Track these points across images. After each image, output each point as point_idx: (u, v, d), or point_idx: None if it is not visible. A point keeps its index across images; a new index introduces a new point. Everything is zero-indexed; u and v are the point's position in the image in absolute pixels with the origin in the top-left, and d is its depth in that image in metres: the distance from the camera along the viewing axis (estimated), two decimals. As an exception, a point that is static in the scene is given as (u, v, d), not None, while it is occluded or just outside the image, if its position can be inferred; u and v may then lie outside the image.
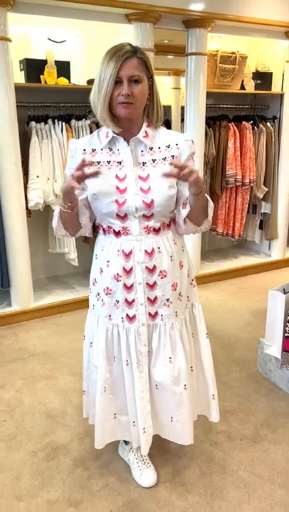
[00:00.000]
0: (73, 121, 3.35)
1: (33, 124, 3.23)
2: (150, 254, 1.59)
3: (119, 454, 2.00)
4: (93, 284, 1.72)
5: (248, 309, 3.50)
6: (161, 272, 1.62)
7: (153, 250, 1.59)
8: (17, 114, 2.99)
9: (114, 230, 1.59)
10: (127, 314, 1.64)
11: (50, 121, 3.28)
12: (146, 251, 1.59)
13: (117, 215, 1.55)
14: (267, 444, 2.06)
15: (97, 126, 3.31)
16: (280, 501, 1.75)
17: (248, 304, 3.60)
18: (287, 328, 2.32)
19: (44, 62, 3.17)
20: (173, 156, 1.55)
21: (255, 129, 4.05)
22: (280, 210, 4.32)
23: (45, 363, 2.75)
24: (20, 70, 3.23)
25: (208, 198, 1.57)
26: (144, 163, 1.54)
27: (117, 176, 1.53)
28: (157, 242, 1.60)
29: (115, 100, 1.45)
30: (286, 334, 2.32)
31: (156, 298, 1.64)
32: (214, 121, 3.94)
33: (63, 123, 3.27)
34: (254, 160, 4.04)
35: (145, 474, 1.85)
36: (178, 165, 1.39)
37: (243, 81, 4.00)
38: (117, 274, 1.60)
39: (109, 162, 1.55)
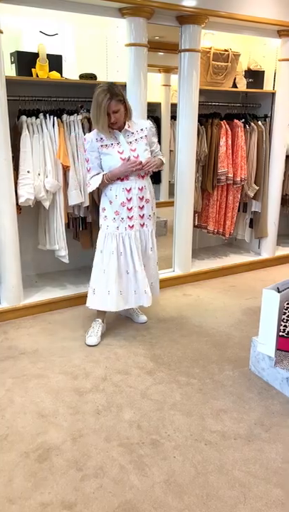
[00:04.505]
0: (65, 116, 3.29)
1: (23, 118, 3.16)
2: (141, 189, 2.80)
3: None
4: (103, 211, 2.87)
5: (239, 307, 3.50)
6: (146, 200, 2.85)
7: (142, 187, 2.81)
8: (7, 107, 2.92)
9: (119, 178, 2.77)
10: (128, 225, 2.83)
11: (41, 115, 3.21)
12: (138, 188, 2.80)
13: None
14: (261, 443, 2.05)
15: (89, 121, 3.28)
16: (276, 501, 1.75)
17: (239, 302, 3.61)
18: (281, 327, 2.32)
19: (36, 55, 3.11)
20: (145, 136, 2.79)
21: (247, 127, 4.04)
22: (270, 209, 4.32)
23: (36, 361, 2.71)
24: (12, 62, 3.16)
25: (163, 160, 2.88)
26: (130, 142, 2.75)
27: (118, 152, 2.73)
28: (143, 182, 2.81)
29: (109, 122, 2.66)
30: (280, 333, 2.32)
31: (144, 215, 2.87)
32: (206, 118, 3.92)
33: (55, 117, 3.21)
34: (245, 158, 4.03)
35: (141, 316, 3.24)
36: (143, 162, 2.71)
37: (235, 79, 3.98)
38: (123, 202, 2.79)
39: (112, 144, 2.73)
